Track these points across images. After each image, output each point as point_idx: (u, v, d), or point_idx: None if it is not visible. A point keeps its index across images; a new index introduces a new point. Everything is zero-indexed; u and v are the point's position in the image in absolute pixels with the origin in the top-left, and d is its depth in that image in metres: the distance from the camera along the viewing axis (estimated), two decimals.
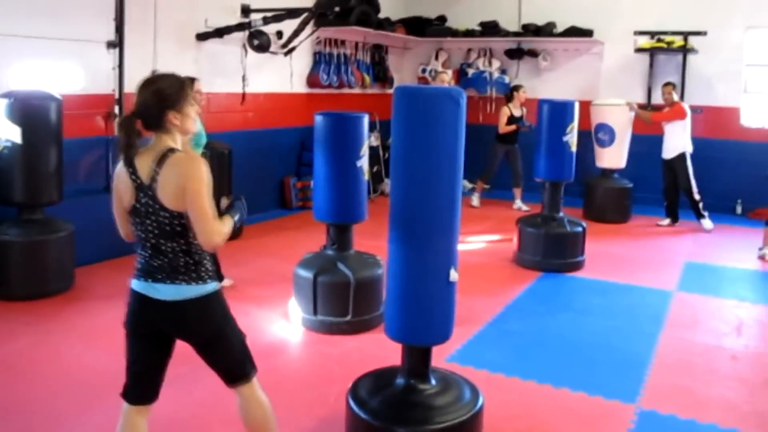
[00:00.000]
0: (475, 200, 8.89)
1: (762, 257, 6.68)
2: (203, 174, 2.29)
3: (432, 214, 2.98)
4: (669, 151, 7.87)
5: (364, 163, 4.51)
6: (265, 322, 4.58)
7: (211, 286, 2.41)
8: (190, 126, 2.42)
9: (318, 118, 4.46)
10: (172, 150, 2.32)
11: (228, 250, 6.20)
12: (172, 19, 6.67)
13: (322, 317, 4.44)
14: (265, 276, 5.62)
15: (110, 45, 6.05)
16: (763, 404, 3.66)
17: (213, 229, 2.29)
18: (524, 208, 8.65)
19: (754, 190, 8.78)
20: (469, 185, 9.24)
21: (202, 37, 7.06)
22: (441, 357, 3.93)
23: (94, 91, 5.97)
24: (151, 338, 2.43)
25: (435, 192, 2.98)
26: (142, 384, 2.47)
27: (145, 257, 2.37)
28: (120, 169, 2.37)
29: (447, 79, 6.71)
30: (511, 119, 8.47)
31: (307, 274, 4.46)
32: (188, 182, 2.26)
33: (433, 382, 3.17)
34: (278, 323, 4.60)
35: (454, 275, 3.03)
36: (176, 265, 2.34)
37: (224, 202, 2.50)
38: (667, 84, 8.04)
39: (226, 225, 2.41)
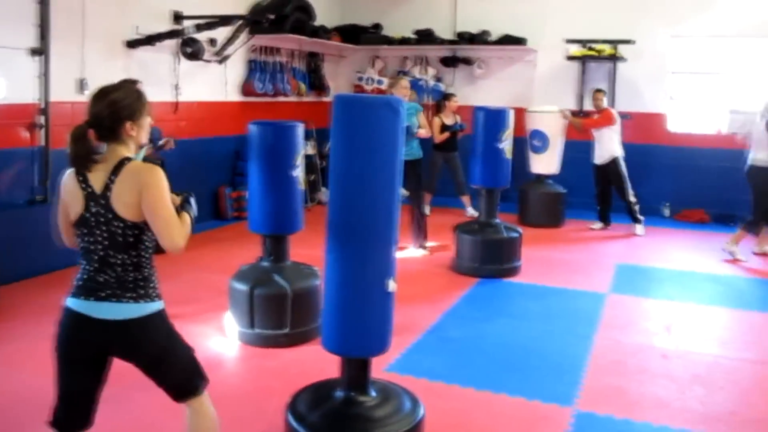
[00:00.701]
0: (426, 209, 8.90)
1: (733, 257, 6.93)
2: (162, 181, 2.26)
3: (369, 224, 2.96)
4: (600, 157, 8.08)
5: (299, 172, 4.46)
6: (200, 338, 4.46)
7: (157, 305, 2.35)
8: (144, 137, 2.39)
9: (252, 128, 4.39)
10: (128, 159, 2.28)
11: (159, 264, 6.04)
12: (101, 25, 6.47)
13: (259, 330, 4.35)
14: (198, 290, 5.48)
15: (34, 52, 5.81)
16: (692, 400, 3.77)
17: (178, 233, 2.28)
18: (476, 213, 8.70)
19: (680, 192, 9.11)
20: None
21: (132, 44, 6.87)
22: (380, 367, 3.91)
23: (16, 100, 5.72)
24: (85, 362, 2.31)
25: (373, 201, 2.96)
26: (75, 411, 2.35)
27: (89, 272, 2.27)
28: (68, 179, 2.30)
29: (406, 85, 6.48)
30: (444, 128, 8.50)
31: (242, 286, 4.37)
32: (147, 190, 2.22)
33: (373, 393, 3.15)
34: (214, 338, 4.49)
35: (391, 285, 3.01)
36: (124, 280, 2.27)
37: (174, 199, 2.42)
38: (597, 90, 8.25)
39: (187, 225, 2.39)
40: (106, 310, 2.25)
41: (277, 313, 4.33)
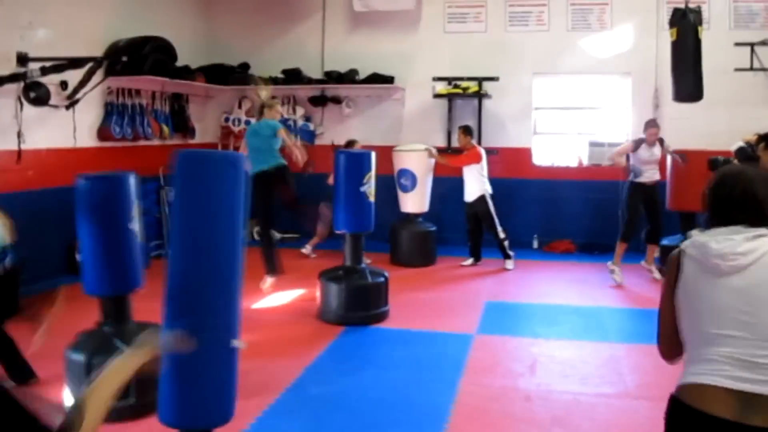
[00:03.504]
0: (308, 250, 8.80)
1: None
2: None
3: (208, 286, 2.77)
4: (469, 194, 8.18)
5: (136, 225, 4.15)
6: None
7: None
8: None
9: (79, 181, 4.04)
10: None
11: None
12: None
13: None
14: (39, 359, 4.97)
15: None
16: None
17: None
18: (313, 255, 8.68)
19: (547, 224, 9.37)
20: (278, 235, 9.02)
21: None
22: None
23: None
24: None
25: (214, 262, 2.77)
26: None
27: None
28: None
29: (280, 109, 6.92)
30: None
31: (79, 357, 4.00)
32: None
33: None
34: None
35: (238, 343, 2.82)
36: None
37: None
38: (462, 128, 8.36)
39: None
40: None
41: None
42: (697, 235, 2.12)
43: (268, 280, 6.87)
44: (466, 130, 8.28)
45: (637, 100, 9.18)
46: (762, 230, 2.04)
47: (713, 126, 8.43)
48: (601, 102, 9.56)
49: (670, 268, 2.15)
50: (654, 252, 7.56)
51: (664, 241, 7.77)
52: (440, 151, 8.78)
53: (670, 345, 2.24)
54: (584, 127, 9.62)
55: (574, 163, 9.55)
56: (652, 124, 7.35)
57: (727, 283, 2.00)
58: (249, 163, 5.98)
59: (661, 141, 7.36)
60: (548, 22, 9.40)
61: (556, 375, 4.85)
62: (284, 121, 9.72)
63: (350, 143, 8.42)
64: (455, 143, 9.36)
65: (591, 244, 9.00)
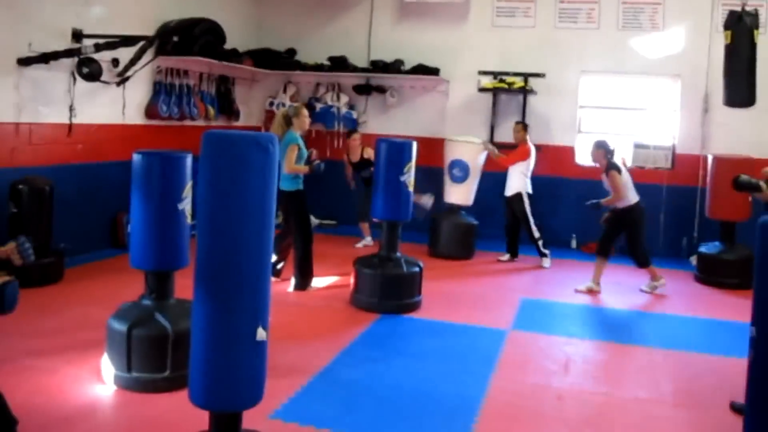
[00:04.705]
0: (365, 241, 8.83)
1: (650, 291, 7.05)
2: None
3: (236, 269, 2.79)
4: (509, 189, 8.15)
5: (186, 205, 4.23)
6: (74, 382, 4.14)
7: None
8: None
9: (135, 157, 4.14)
10: None
11: (45, 298, 5.68)
12: None
13: (136, 374, 4.06)
14: (80, 327, 5.10)
15: None
16: None
17: None
18: (370, 243, 8.70)
19: (586, 225, 9.23)
20: (316, 221, 9.11)
21: (24, 62, 6.49)
22: (265, 413, 3.70)
23: None
24: None
25: (240, 245, 2.79)
26: None
27: None
28: None
29: (307, 114, 6.51)
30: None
31: (120, 326, 4.09)
32: None
33: None
34: (88, 382, 4.16)
35: (261, 334, 2.84)
36: None
37: None
38: (517, 123, 8.28)
39: None
40: None
41: (157, 355, 4.05)
42: None
43: (293, 285, 6.53)
44: (525, 126, 8.21)
45: (685, 104, 9.01)
46: None
47: (762, 134, 8.24)
48: (648, 104, 9.39)
49: None
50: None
51: (702, 248, 7.68)
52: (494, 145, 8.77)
53: None
54: (629, 128, 9.47)
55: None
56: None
57: None
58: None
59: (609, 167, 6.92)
60: (598, 20, 9.27)
61: (589, 376, 4.82)
62: (328, 109, 9.81)
63: (350, 132, 8.70)
64: (498, 138, 9.32)
65: None
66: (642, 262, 6.93)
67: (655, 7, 9.05)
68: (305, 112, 6.44)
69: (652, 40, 9.09)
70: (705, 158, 8.13)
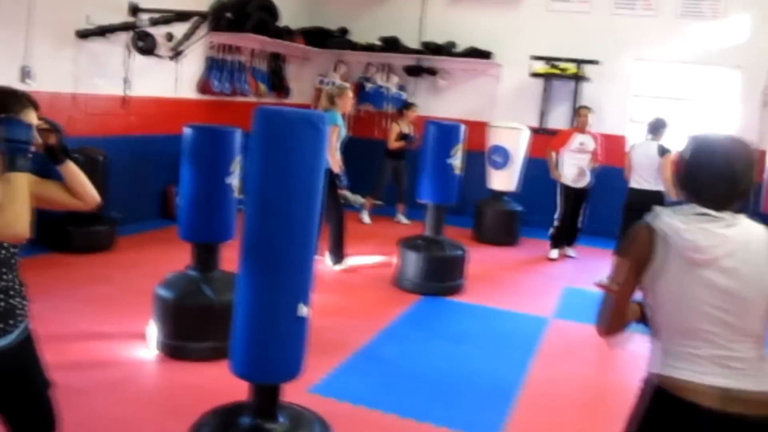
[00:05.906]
0: (366, 217, 8.80)
1: None
2: None
3: (283, 246, 2.82)
4: (582, 181, 7.80)
5: (234, 179, 4.29)
6: (121, 347, 4.27)
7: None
8: None
9: (186, 131, 4.21)
10: None
11: (96, 265, 5.85)
12: (50, 13, 6.21)
13: (182, 342, 4.17)
14: (129, 294, 5.25)
15: None
16: None
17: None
18: (404, 221, 8.79)
19: None
20: (361, 200, 9.17)
21: (82, 34, 6.64)
22: (304, 387, 3.75)
23: None
24: None
25: (288, 222, 2.81)
26: None
27: None
28: None
29: (351, 95, 6.48)
30: (401, 136, 8.52)
31: (167, 295, 4.19)
32: None
33: (281, 419, 3.00)
34: (135, 348, 4.28)
35: (303, 310, 2.87)
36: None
37: None
38: (583, 107, 7.90)
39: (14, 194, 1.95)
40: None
41: (202, 324, 4.15)
42: (667, 216, 1.96)
43: (327, 261, 6.50)
44: (587, 110, 7.77)
45: (745, 95, 8.73)
46: (732, 217, 1.92)
47: None
48: (705, 94, 9.13)
49: (640, 245, 2.01)
50: None
51: None
52: (533, 131, 8.63)
53: (620, 323, 2.18)
54: (685, 119, 9.22)
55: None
56: None
57: (702, 276, 1.91)
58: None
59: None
60: (656, 7, 9.02)
61: (630, 368, 4.73)
62: (378, 89, 9.79)
63: (408, 106, 8.78)
64: (548, 124, 9.19)
65: None
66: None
67: None
68: (350, 93, 6.45)
69: (712, 29, 8.81)
70: (763, 153, 7.87)
